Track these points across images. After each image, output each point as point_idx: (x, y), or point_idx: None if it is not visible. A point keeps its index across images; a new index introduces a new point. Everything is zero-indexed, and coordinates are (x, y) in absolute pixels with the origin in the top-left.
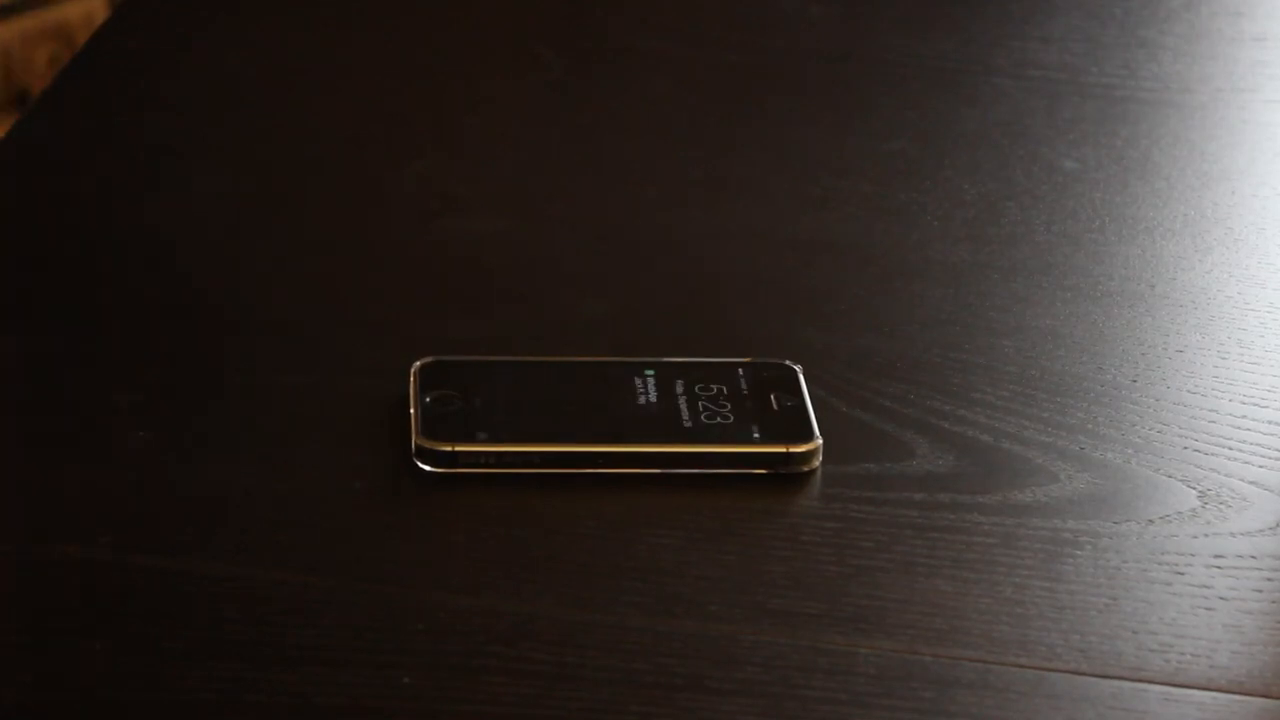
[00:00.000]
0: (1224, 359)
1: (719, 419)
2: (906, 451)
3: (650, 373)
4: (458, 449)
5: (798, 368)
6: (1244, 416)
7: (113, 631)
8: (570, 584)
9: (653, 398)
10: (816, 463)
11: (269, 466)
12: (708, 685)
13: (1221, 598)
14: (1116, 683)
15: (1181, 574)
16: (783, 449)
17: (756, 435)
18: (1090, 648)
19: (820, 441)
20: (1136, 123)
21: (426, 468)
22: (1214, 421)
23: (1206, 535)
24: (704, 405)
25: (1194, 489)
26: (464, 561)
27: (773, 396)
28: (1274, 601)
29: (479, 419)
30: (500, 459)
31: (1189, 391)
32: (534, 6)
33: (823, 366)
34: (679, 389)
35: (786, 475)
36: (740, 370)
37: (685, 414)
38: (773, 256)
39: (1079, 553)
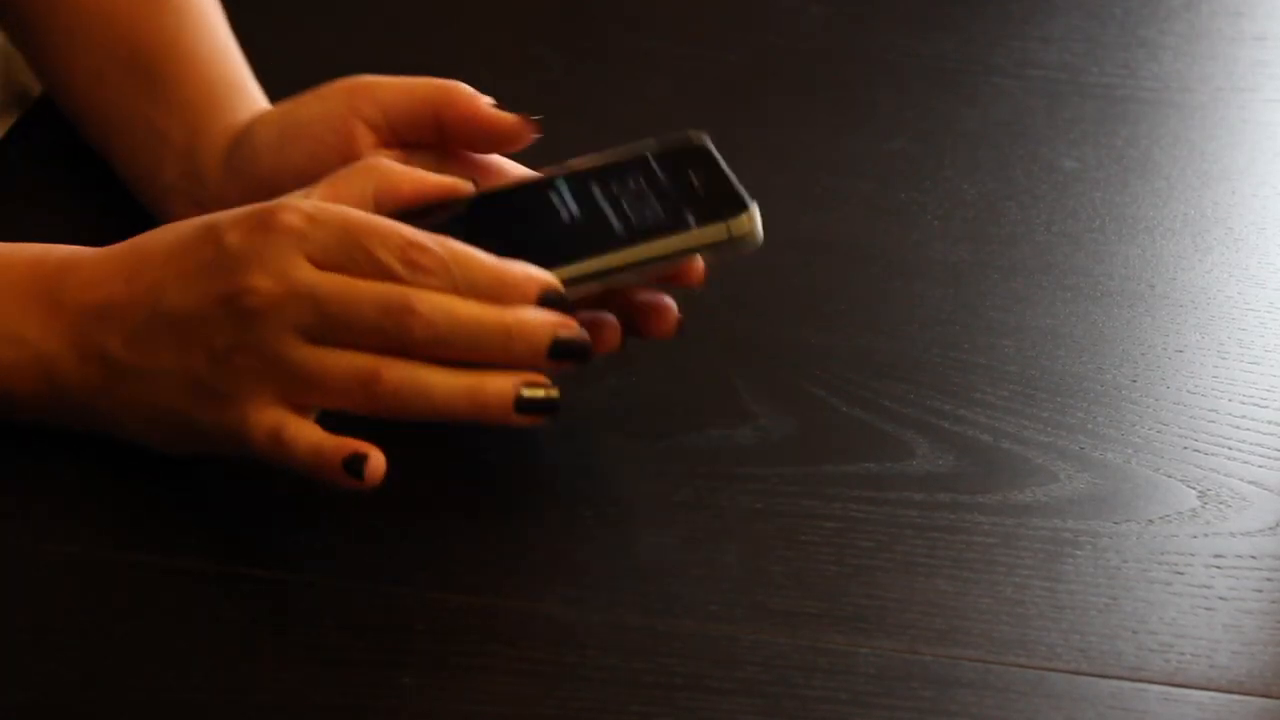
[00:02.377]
0: (1224, 359)
1: (647, 214)
2: (906, 451)
3: (563, 185)
4: None
5: (704, 135)
6: (1244, 416)
7: (113, 631)
8: (570, 584)
9: (573, 210)
10: (758, 230)
11: (268, 468)
12: (708, 685)
13: (1221, 598)
14: (1116, 683)
15: (1181, 574)
16: (723, 227)
17: (691, 220)
18: (1090, 647)
19: (754, 206)
20: (1136, 122)
21: None
22: (1214, 421)
23: (1206, 535)
24: (628, 204)
25: (1194, 489)
26: (463, 561)
27: (691, 174)
28: (1274, 601)
29: None
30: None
31: (1189, 391)
32: (534, 6)
33: (823, 366)
34: (597, 194)
35: (734, 252)
36: (650, 158)
37: (613, 219)
38: (773, 256)
39: (1079, 553)
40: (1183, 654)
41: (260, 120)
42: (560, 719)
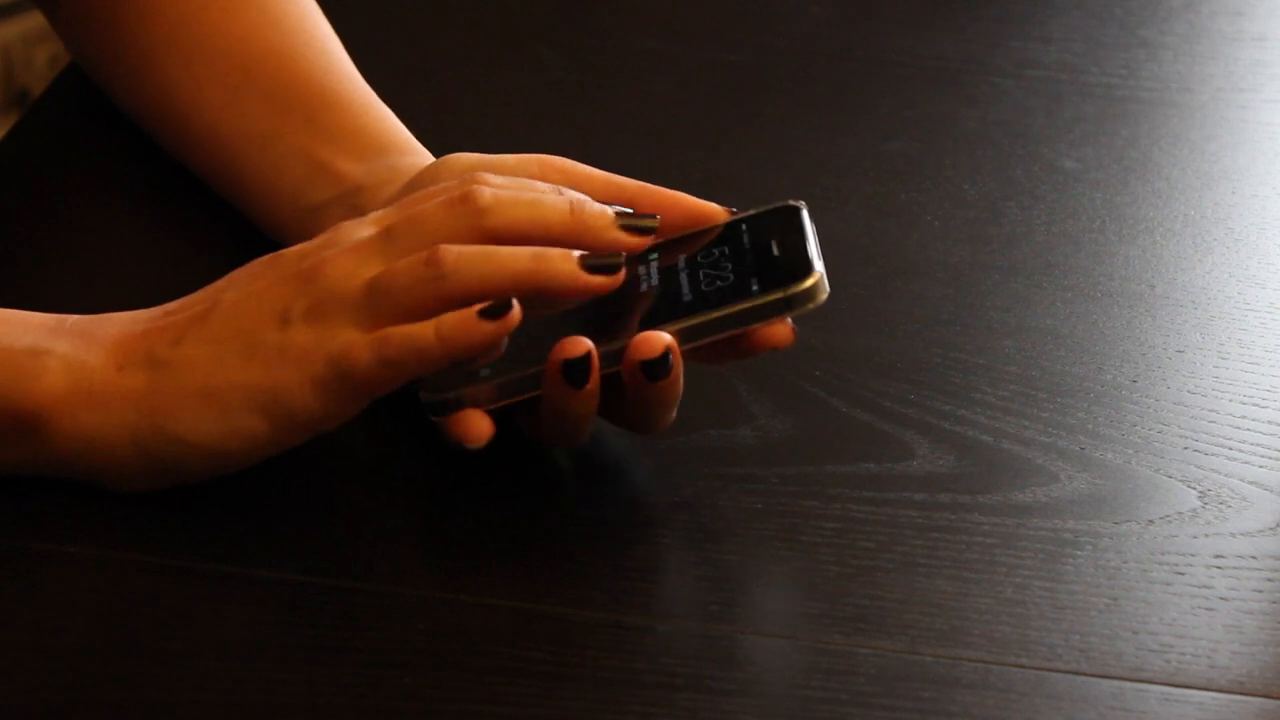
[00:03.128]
0: (1224, 359)
1: (718, 283)
2: (907, 451)
3: (654, 256)
4: (462, 392)
5: (800, 204)
6: (1244, 417)
7: (113, 631)
8: (570, 584)
9: (654, 281)
10: (822, 296)
11: (268, 466)
12: (708, 685)
13: (1222, 598)
14: (1117, 683)
15: (1182, 574)
16: (780, 294)
17: (755, 288)
18: (1090, 648)
19: (820, 272)
20: (1137, 122)
21: (436, 418)
22: (1214, 422)
23: (1207, 535)
24: (705, 273)
25: (1194, 489)
26: (464, 561)
27: (774, 243)
28: (1274, 602)
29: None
30: (503, 390)
31: (1189, 392)
32: (534, 6)
33: (822, 366)
34: (681, 263)
35: (798, 314)
36: (744, 225)
37: (685, 288)
38: None
39: (1079, 553)
40: (1183, 654)
41: (455, 156)
42: (560, 719)
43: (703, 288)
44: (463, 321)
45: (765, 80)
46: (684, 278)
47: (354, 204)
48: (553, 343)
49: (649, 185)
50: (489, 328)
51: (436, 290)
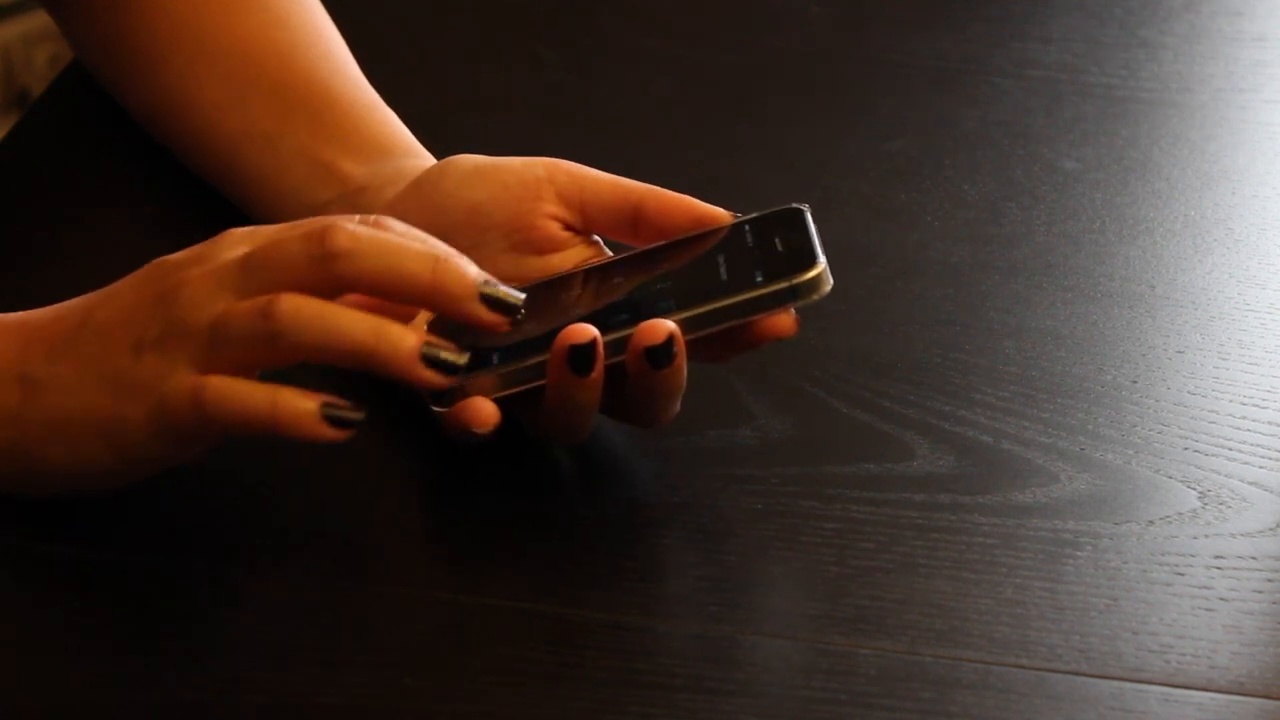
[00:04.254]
0: (1224, 360)
1: (723, 275)
2: (907, 452)
3: (660, 254)
4: (465, 382)
5: (804, 206)
6: (1244, 417)
7: (113, 631)
8: (570, 584)
9: (659, 276)
10: (826, 287)
11: (269, 467)
12: (708, 685)
13: (1222, 598)
14: (1117, 683)
15: (1182, 575)
16: (785, 284)
17: (760, 279)
18: (1090, 648)
19: (825, 263)
20: (1137, 123)
21: (439, 409)
22: (1214, 422)
23: (1207, 536)
24: (709, 267)
25: (1194, 490)
26: (464, 561)
27: (777, 240)
28: (1274, 602)
29: (484, 352)
30: (507, 379)
31: (1189, 392)
32: (534, 6)
33: (822, 366)
34: (686, 259)
35: (803, 304)
36: (747, 226)
37: (690, 282)
38: None
39: (1079, 554)
40: (1183, 655)
41: (461, 157)
42: (560, 719)
43: (707, 281)
44: (301, 414)
45: (765, 80)
46: (689, 273)
47: (356, 204)
48: (557, 332)
49: (655, 188)
50: (326, 433)
51: (267, 346)
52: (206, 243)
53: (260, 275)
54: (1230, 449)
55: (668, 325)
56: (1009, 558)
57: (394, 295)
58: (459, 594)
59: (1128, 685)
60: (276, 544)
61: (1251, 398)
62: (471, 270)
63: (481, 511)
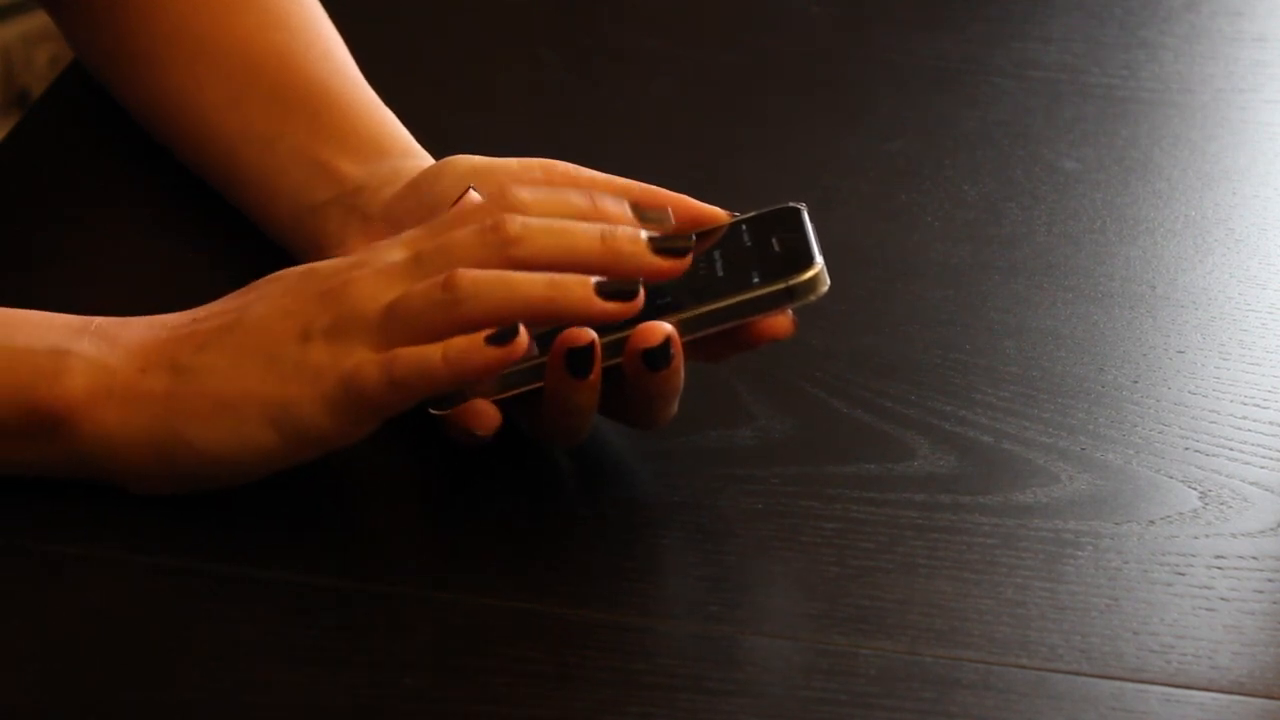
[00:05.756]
0: (1225, 360)
1: (720, 276)
2: (907, 452)
3: None
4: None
5: (801, 206)
6: (1245, 417)
7: (112, 631)
8: (570, 584)
9: (656, 283)
10: (823, 288)
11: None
12: (708, 685)
13: (1223, 598)
14: (1118, 683)
15: (1182, 575)
16: (782, 285)
17: (757, 280)
18: (1091, 648)
19: (821, 264)
20: (1137, 123)
21: (439, 412)
22: (1215, 422)
23: (1207, 536)
24: (706, 268)
25: (1195, 490)
26: (464, 561)
27: (775, 240)
28: (1275, 602)
29: None
30: (506, 381)
31: (1190, 392)
32: (534, 6)
33: (823, 367)
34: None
35: (800, 305)
36: (745, 226)
37: (687, 283)
38: None
39: (1080, 553)
40: (1184, 655)
41: (458, 157)
42: (560, 719)
43: (704, 281)
44: (469, 346)
45: (765, 80)
46: (686, 273)
47: (354, 205)
48: (555, 334)
49: (651, 187)
50: (494, 354)
51: (450, 314)
52: (360, 252)
53: (435, 267)
54: (1231, 449)
55: (665, 327)
56: (1010, 558)
57: (572, 269)
58: (459, 594)
59: (1129, 685)
60: (277, 544)
61: (1252, 398)
62: (637, 232)
63: (481, 512)
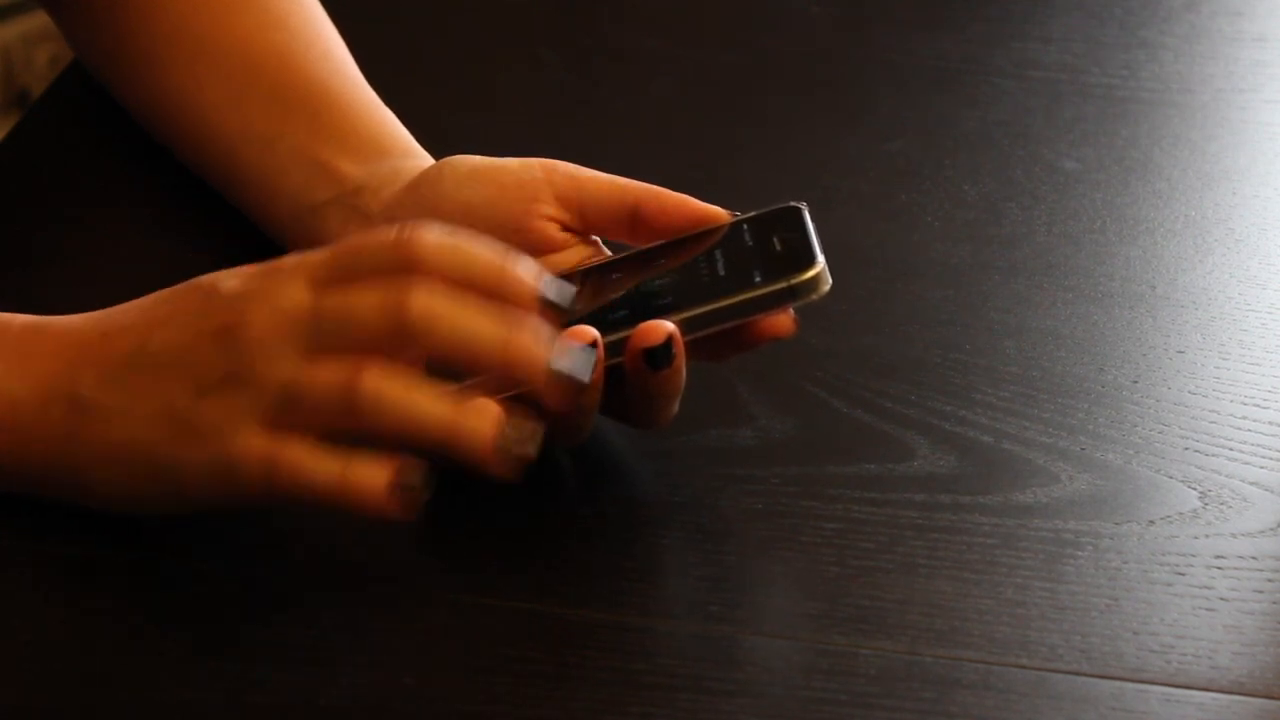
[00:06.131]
0: (1225, 360)
1: (722, 275)
2: (907, 452)
3: (657, 254)
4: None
5: (802, 205)
6: (1245, 417)
7: (112, 631)
8: (570, 584)
9: (658, 277)
10: (825, 287)
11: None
12: (708, 685)
13: (1222, 598)
14: (1118, 683)
15: (1182, 575)
16: (784, 284)
17: (758, 279)
18: (1091, 649)
19: (823, 263)
20: (1137, 123)
21: None
22: (1215, 422)
23: (1207, 536)
24: (708, 267)
25: (1195, 490)
26: (464, 561)
27: (776, 239)
28: (1275, 602)
29: None
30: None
31: (1190, 392)
32: (534, 6)
33: (823, 367)
34: (684, 260)
35: (801, 304)
36: (746, 225)
37: (689, 282)
38: None
39: (1080, 554)
40: (1184, 655)
41: (458, 158)
42: (560, 719)
43: (706, 281)
44: (375, 491)
45: (765, 80)
46: (687, 272)
47: (354, 205)
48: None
49: (653, 187)
50: (396, 508)
51: (347, 421)
52: (260, 271)
53: (333, 337)
54: (1231, 449)
55: (666, 326)
56: (1009, 558)
57: (465, 369)
58: (459, 594)
59: (1129, 685)
60: (277, 544)
61: (1252, 398)
62: (540, 351)
63: (481, 511)
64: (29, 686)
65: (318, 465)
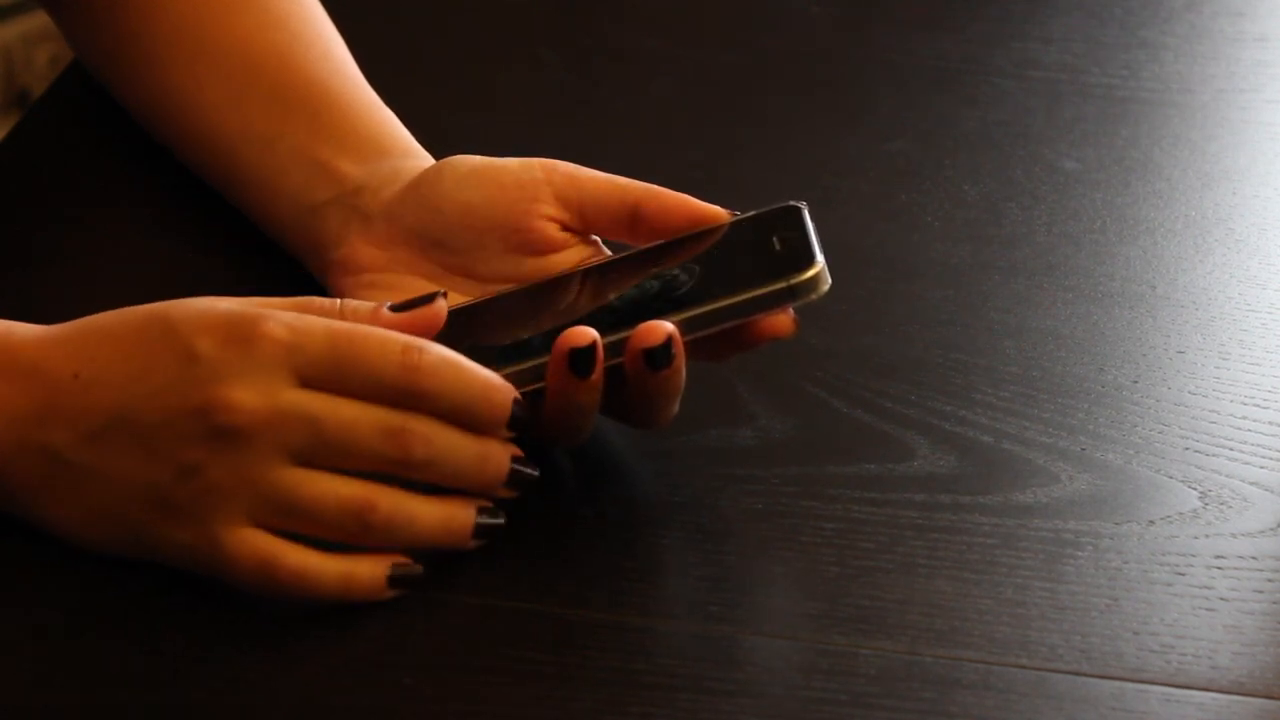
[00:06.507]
0: (1225, 360)
1: (721, 275)
2: (907, 452)
3: (655, 254)
4: None
5: (802, 205)
6: (1245, 417)
7: (112, 632)
8: (570, 584)
9: (658, 276)
10: (824, 287)
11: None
12: (708, 685)
13: (1222, 598)
14: (1118, 683)
15: (1182, 575)
16: (784, 284)
17: (758, 279)
18: (1091, 648)
19: (823, 263)
20: (1138, 123)
21: None
22: (1215, 422)
23: (1207, 536)
24: (707, 267)
25: (1195, 490)
26: (465, 561)
27: (776, 239)
28: (1275, 602)
29: (483, 354)
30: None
31: (1190, 392)
32: (534, 6)
33: (823, 367)
34: (684, 260)
35: (801, 304)
36: (746, 225)
37: (688, 282)
38: None
39: (1080, 553)
40: (1184, 655)
41: (458, 158)
42: (560, 719)
43: (705, 281)
44: (376, 586)
45: (765, 80)
46: (687, 273)
47: (354, 205)
48: (556, 334)
49: (653, 187)
50: (391, 594)
51: (355, 538)
52: (238, 336)
53: (334, 457)
54: (1231, 449)
55: (666, 327)
56: (1009, 558)
57: (448, 485)
58: (459, 594)
59: (1129, 685)
60: None
61: (1252, 398)
62: (504, 471)
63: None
64: (29, 686)
65: (323, 570)
